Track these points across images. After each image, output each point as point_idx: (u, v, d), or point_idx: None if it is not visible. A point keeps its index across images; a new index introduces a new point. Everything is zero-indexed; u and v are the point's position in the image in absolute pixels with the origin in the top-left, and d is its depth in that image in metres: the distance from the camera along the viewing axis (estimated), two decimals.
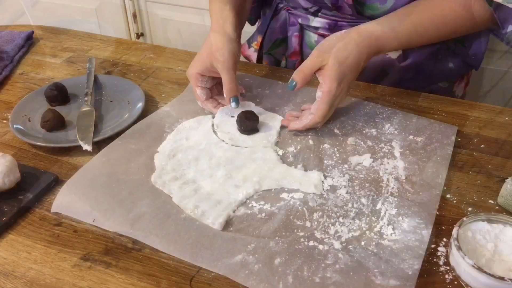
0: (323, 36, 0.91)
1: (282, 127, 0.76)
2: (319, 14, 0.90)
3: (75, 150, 0.74)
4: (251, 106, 0.80)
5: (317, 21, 0.90)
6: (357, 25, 0.82)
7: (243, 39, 1.07)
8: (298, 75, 0.73)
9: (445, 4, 0.77)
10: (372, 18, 0.83)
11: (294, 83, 0.73)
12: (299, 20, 0.92)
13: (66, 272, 0.57)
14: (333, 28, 0.89)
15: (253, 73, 0.92)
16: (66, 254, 0.59)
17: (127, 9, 1.70)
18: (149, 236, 0.59)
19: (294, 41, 0.94)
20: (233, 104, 0.76)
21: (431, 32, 0.78)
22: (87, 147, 0.73)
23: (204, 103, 0.80)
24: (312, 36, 0.93)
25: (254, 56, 1.02)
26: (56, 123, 0.77)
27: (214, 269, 0.55)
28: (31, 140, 0.75)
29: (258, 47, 1.01)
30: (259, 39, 1.01)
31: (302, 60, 0.95)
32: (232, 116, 0.77)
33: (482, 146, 0.73)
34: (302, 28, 0.93)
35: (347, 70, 0.72)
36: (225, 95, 0.77)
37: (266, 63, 1.01)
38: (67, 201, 0.64)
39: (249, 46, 1.04)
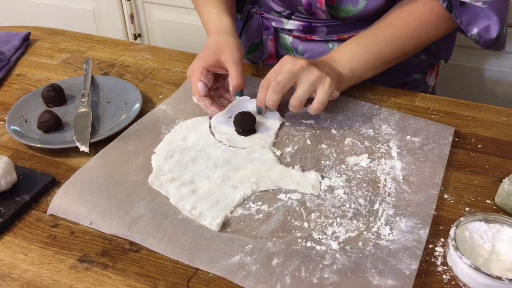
0: (299, 38, 0.92)
1: (281, 127, 0.76)
2: (293, 17, 0.90)
3: (72, 151, 0.74)
4: (248, 100, 0.79)
5: (291, 24, 0.91)
6: (331, 27, 0.86)
7: None
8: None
9: (411, 17, 0.79)
10: (345, 19, 0.86)
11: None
12: (273, 24, 0.93)
13: (63, 273, 0.56)
14: (307, 29, 0.90)
15: (251, 73, 0.92)
16: (63, 255, 0.59)
17: (124, 10, 1.70)
18: (146, 238, 0.59)
19: (269, 45, 0.95)
20: (236, 98, 0.77)
21: (409, 47, 0.81)
22: (84, 148, 0.73)
23: (201, 98, 0.78)
24: (287, 38, 0.93)
25: None
26: (53, 124, 0.77)
27: (212, 270, 0.55)
28: (28, 141, 0.74)
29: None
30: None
31: None
32: (229, 117, 0.77)
33: (480, 146, 0.73)
34: (277, 31, 0.94)
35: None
36: (231, 89, 0.77)
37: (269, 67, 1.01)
38: (63, 204, 0.64)
39: None
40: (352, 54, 0.79)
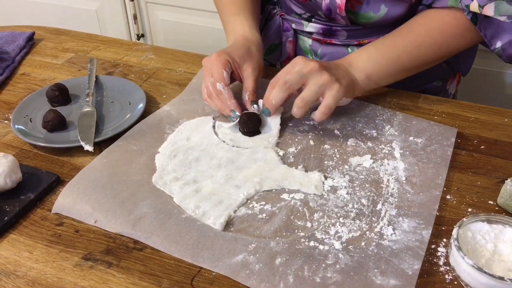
0: (318, 41, 0.91)
1: (284, 128, 0.77)
2: (313, 20, 0.90)
3: (77, 150, 0.74)
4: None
5: (311, 26, 0.90)
6: (352, 31, 0.84)
7: None
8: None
9: (435, 26, 0.78)
10: (366, 25, 0.85)
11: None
12: (293, 26, 0.93)
13: (68, 271, 0.57)
14: (327, 33, 0.89)
15: None
16: (67, 253, 0.59)
17: (127, 11, 1.70)
18: (150, 237, 0.59)
19: (288, 47, 0.95)
20: (255, 107, 0.76)
21: (430, 56, 0.79)
22: (88, 147, 0.73)
23: (226, 88, 0.75)
24: (307, 41, 0.93)
25: None
26: (57, 124, 0.77)
27: (215, 269, 0.56)
28: (33, 140, 0.75)
29: None
30: None
31: None
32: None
33: (482, 147, 0.73)
34: (296, 33, 0.94)
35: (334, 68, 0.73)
36: (245, 98, 0.77)
37: (273, 67, 1.01)
38: (68, 203, 0.64)
39: None
40: (370, 59, 0.77)
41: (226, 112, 0.76)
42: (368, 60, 0.77)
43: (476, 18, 0.75)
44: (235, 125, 0.76)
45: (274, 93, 0.72)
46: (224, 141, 0.74)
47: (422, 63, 0.80)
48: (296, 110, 0.72)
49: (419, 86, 0.93)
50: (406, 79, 0.83)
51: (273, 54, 0.98)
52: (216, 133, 0.76)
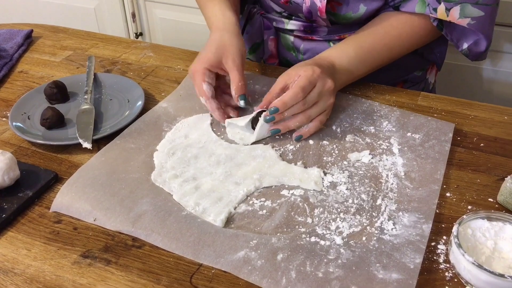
0: (300, 37, 0.92)
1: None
2: (293, 17, 0.90)
3: (75, 148, 0.74)
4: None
5: (292, 24, 0.91)
6: (332, 27, 0.86)
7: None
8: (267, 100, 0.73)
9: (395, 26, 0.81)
10: (346, 24, 0.87)
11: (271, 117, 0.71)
12: (274, 24, 0.93)
13: (66, 269, 0.56)
14: (308, 29, 0.90)
15: (253, 71, 0.92)
16: (66, 251, 0.59)
17: (126, 9, 1.70)
18: (151, 234, 0.59)
19: (270, 44, 0.95)
20: (241, 103, 0.76)
21: (396, 55, 0.83)
22: (86, 145, 0.73)
23: (209, 100, 0.76)
24: (288, 38, 0.93)
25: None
26: (55, 121, 0.77)
27: (217, 265, 0.55)
28: (31, 138, 0.74)
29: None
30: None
31: (279, 63, 0.97)
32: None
33: (482, 144, 0.73)
34: (277, 31, 0.94)
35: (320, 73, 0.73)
36: (233, 93, 0.76)
37: (272, 65, 1.01)
38: (67, 201, 0.64)
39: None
40: (350, 63, 0.79)
41: (217, 117, 0.77)
42: (348, 64, 0.79)
43: (442, 24, 0.80)
44: (248, 124, 0.74)
45: (292, 111, 0.71)
46: (233, 140, 0.74)
47: (388, 61, 0.84)
48: (299, 124, 0.73)
49: (401, 77, 0.96)
50: (389, 70, 0.87)
51: (256, 52, 0.99)
52: (214, 131, 0.76)
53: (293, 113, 0.71)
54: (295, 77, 0.72)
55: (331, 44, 0.90)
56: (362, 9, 0.83)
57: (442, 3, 0.75)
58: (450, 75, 1.38)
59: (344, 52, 0.80)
